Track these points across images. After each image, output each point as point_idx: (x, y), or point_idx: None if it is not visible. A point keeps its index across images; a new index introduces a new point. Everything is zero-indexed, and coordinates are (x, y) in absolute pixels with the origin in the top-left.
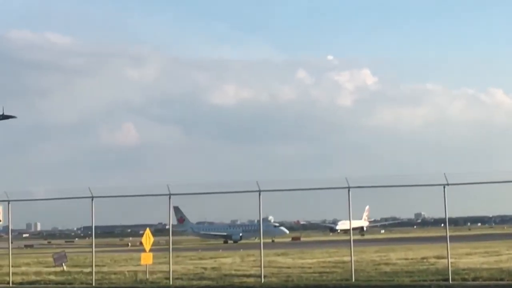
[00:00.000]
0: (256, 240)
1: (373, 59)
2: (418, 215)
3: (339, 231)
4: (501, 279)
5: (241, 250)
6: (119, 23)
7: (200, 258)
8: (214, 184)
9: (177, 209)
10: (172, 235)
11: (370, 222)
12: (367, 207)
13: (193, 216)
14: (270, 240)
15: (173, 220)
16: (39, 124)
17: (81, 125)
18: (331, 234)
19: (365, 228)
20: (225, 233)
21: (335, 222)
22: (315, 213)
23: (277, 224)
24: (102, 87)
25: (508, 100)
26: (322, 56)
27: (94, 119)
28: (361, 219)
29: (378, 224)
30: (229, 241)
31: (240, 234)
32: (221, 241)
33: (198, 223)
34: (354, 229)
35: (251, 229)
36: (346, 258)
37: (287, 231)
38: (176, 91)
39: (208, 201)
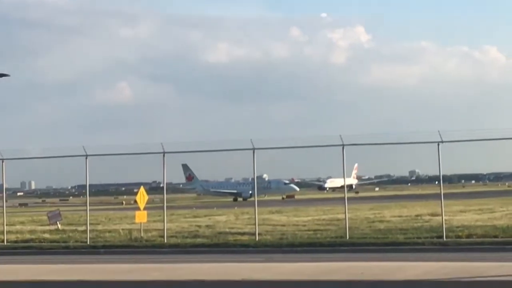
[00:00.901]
0: (266, 198)
1: (368, 16)
2: (412, 172)
3: (327, 189)
4: (495, 236)
5: (236, 208)
6: None
7: (195, 216)
8: (208, 142)
9: (185, 167)
10: (180, 192)
11: (363, 180)
12: (355, 165)
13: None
14: (280, 197)
15: (181, 178)
16: (33, 83)
17: (75, 84)
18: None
19: (354, 186)
20: (235, 191)
21: (323, 180)
22: (310, 171)
23: (287, 181)
24: (96, 46)
25: (502, 58)
26: (316, 14)
27: (88, 78)
28: (350, 177)
29: (368, 182)
30: (239, 199)
31: (250, 192)
32: (230, 198)
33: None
34: (343, 187)
35: (261, 186)
36: (340, 216)
37: (298, 188)
38: (170, 49)
39: (203, 159)
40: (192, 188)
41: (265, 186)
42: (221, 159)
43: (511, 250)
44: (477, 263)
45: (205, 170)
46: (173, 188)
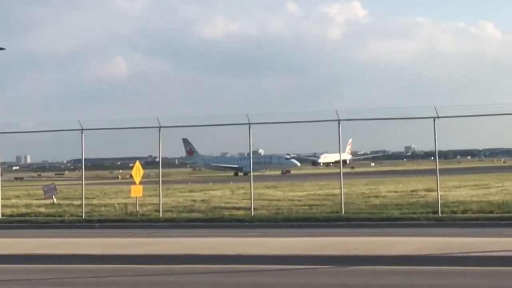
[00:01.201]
0: (267, 173)
1: None
2: (408, 148)
3: (321, 164)
4: (490, 212)
5: (231, 182)
6: None
7: (190, 191)
8: (204, 117)
9: (186, 141)
10: (181, 167)
11: (359, 155)
12: (349, 140)
13: (184, 149)
14: (280, 172)
15: (182, 153)
16: (28, 56)
17: (70, 57)
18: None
19: (347, 162)
20: (236, 165)
21: (317, 155)
22: (305, 146)
23: (288, 156)
24: (91, 19)
25: (498, 34)
26: None
27: (84, 51)
28: (344, 152)
29: (362, 157)
30: (240, 173)
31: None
32: (231, 173)
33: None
34: (337, 162)
35: (262, 161)
36: (336, 191)
37: (299, 163)
38: (166, 23)
39: (198, 134)
40: (193, 162)
41: (266, 161)
42: (217, 134)
43: (506, 226)
44: (472, 238)
45: (200, 145)
46: (168, 163)
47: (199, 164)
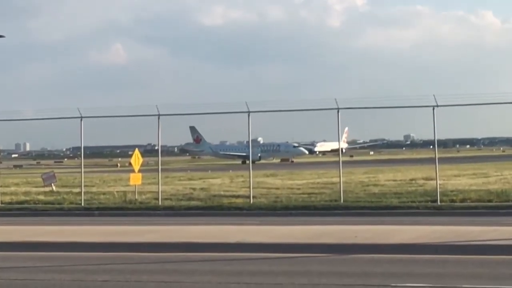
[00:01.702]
0: (274, 160)
1: None
2: (407, 137)
3: (317, 153)
4: (489, 201)
5: (230, 171)
6: None
7: (189, 179)
8: (203, 105)
9: (193, 129)
10: (189, 154)
11: (358, 143)
12: (346, 129)
13: (183, 137)
14: (289, 161)
15: (181, 140)
16: (28, 44)
17: (70, 45)
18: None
19: (344, 150)
20: (244, 154)
21: (313, 144)
22: (304, 134)
23: (296, 144)
24: (91, 7)
25: (497, 22)
26: None
27: (82, 39)
28: (340, 141)
29: (358, 146)
30: (247, 162)
31: (259, 155)
32: (239, 161)
33: (188, 143)
34: (333, 150)
35: (270, 149)
36: (335, 179)
37: (306, 151)
38: (165, 11)
39: (197, 122)
40: (200, 150)
41: (274, 149)
42: (216, 122)
43: (505, 215)
44: (470, 227)
45: (202, 132)
46: (167, 151)
47: (206, 152)
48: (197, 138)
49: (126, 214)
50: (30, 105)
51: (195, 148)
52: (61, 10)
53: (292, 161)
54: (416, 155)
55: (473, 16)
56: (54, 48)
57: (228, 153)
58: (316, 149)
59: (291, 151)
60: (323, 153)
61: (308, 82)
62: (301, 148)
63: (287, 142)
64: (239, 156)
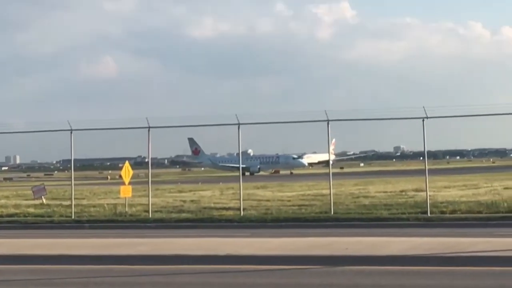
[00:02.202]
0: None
1: None
2: (397, 148)
3: (307, 164)
4: (479, 212)
5: (221, 183)
6: None
7: (180, 191)
8: (193, 117)
9: (192, 141)
10: (188, 166)
11: (348, 155)
12: (333, 141)
13: (173, 149)
14: (289, 172)
15: (187, 152)
16: (17, 57)
17: (60, 57)
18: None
19: (331, 162)
20: (244, 165)
21: (300, 156)
22: (295, 146)
23: (295, 156)
24: (80, 19)
25: (487, 34)
26: None
27: (73, 52)
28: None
29: (346, 157)
30: (246, 173)
31: (258, 166)
32: (237, 173)
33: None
34: (320, 162)
35: (269, 161)
36: (325, 191)
37: (306, 163)
38: (155, 24)
39: (187, 134)
40: (199, 162)
41: (273, 161)
42: (206, 134)
43: (495, 226)
44: (460, 238)
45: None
46: (157, 163)
47: (205, 163)
48: (196, 150)
49: (117, 227)
50: (20, 118)
51: (194, 159)
52: (51, 23)
53: (291, 173)
54: (406, 166)
55: (462, 28)
56: (45, 61)
57: (227, 164)
58: (303, 161)
59: (290, 163)
60: (311, 165)
61: (299, 94)
62: (301, 160)
63: (283, 153)
64: (239, 168)
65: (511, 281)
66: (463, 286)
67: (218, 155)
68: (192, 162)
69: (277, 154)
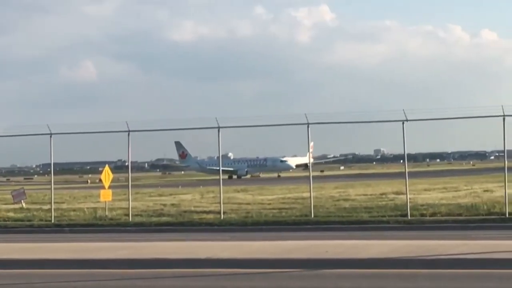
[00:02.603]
0: (261, 175)
1: None
2: (377, 151)
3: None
4: (459, 215)
5: (201, 186)
6: None
7: (160, 195)
8: (173, 120)
9: (178, 144)
10: (175, 170)
11: (328, 158)
12: (311, 144)
13: (153, 153)
14: (276, 175)
15: (174, 155)
16: None
17: (39, 61)
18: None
19: (308, 165)
20: (231, 169)
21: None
22: (275, 149)
23: (284, 159)
24: (60, 23)
25: (466, 37)
26: None
27: (53, 56)
28: (305, 156)
29: (323, 161)
30: (234, 176)
31: (246, 170)
32: (225, 176)
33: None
34: (298, 166)
35: (257, 164)
36: (306, 195)
37: (294, 166)
38: (135, 27)
39: (167, 137)
40: (186, 165)
41: (261, 164)
42: (187, 137)
43: (475, 229)
44: (440, 241)
45: (172, 148)
46: (138, 167)
47: (192, 167)
48: (183, 154)
49: (97, 231)
50: None
51: (181, 163)
52: (30, 26)
53: (279, 176)
54: (386, 169)
55: (441, 31)
56: (24, 65)
57: (215, 168)
58: (290, 164)
59: (278, 166)
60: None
61: (279, 97)
62: (288, 163)
63: (267, 157)
64: (226, 171)
65: (490, 283)
66: None
67: (198, 158)
68: (179, 166)
69: (265, 157)
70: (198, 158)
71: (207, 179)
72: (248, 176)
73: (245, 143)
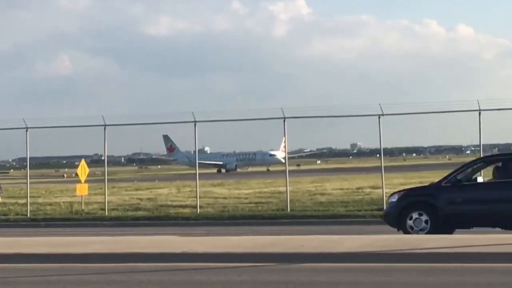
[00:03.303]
0: (249, 170)
1: None
2: (353, 145)
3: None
4: None
5: (178, 181)
6: None
7: (136, 189)
8: (149, 115)
9: (166, 138)
10: (163, 164)
11: (305, 152)
12: (283, 138)
13: (130, 147)
14: (265, 169)
15: (162, 149)
16: None
17: (14, 55)
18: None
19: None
20: (220, 162)
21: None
22: (251, 144)
23: (273, 153)
24: (35, 17)
25: (442, 31)
26: None
27: (28, 50)
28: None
29: (296, 155)
30: (223, 170)
31: (235, 163)
32: (214, 170)
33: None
34: None
35: (246, 158)
36: (282, 189)
37: (283, 160)
38: (111, 22)
39: (144, 131)
40: (174, 159)
41: (250, 158)
42: (162, 132)
43: None
44: (417, 235)
45: (148, 142)
46: (114, 161)
47: (181, 161)
48: (171, 147)
49: (73, 225)
50: None
51: (169, 157)
52: (5, 21)
53: (268, 170)
54: (362, 163)
55: (417, 26)
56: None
57: (204, 161)
58: (279, 158)
59: (267, 160)
60: None
61: (256, 92)
62: (277, 157)
63: (261, 150)
64: (215, 165)
65: (467, 277)
66: (419, 283)
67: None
68: (167, 160)
69: (254, 151)
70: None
71: (185, 173)
72: (237, 170)
73: (221, 137)
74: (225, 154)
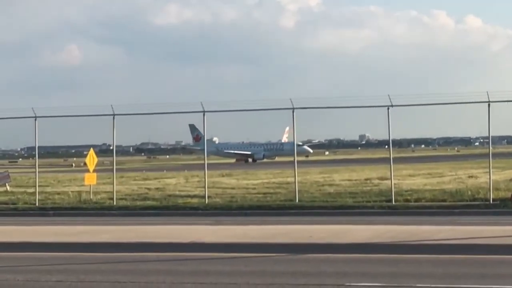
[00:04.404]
0: (276, 159)
1: None
2: (362, 136)
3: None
4: (443, 200)
5: (186, 171)
6: None
7: (144, 179)
8: (158, 104)
9: (193, 127)
10: (189, 153)
11: (313, 143)
12: (287, 129)
13: (138, 137)
14: (292, 159)
15: (188, 139)
16: None
17: (24, 45)
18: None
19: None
20: (248, 152)
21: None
22: (260, 134)
23: (300, 143)
24: (44, 7)
25: (451, 22)
26: None
27: (37, 40)
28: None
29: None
30: (249, 160)
31: (263, 153)
32: (242, 159)
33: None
34: None
35: (274, 148)
36: (290, 179)
37: (311, 150)
38: (119, 11)
39: (152, 121)
40: (201, 149)
41: (278, 148)
42: (171, 122)
43: (459, 214)
44: (424, 226)
45: (157, 132)
46: (122, 151)
47: (207, 150)
48: (197, 137)
49: (81, 214)
50: None
51: (195, 146)
52: (14, 10)
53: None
54: (371, 155)
55: (426, 17)
56: (8, 49)
57: (232, 151)
58: (307, 148)
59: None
60: None
61: (265, 82)
62: (305, 147)
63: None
64: (243, 155)
65: (474, 269)
66: (427, 274)
67: (183, 143)
68: (193, 149)
69: (280, 140)
70: (178, 142)
71: (193, 163)
72: (264, 160)
73: (230, 127)
74: (253, 144)
